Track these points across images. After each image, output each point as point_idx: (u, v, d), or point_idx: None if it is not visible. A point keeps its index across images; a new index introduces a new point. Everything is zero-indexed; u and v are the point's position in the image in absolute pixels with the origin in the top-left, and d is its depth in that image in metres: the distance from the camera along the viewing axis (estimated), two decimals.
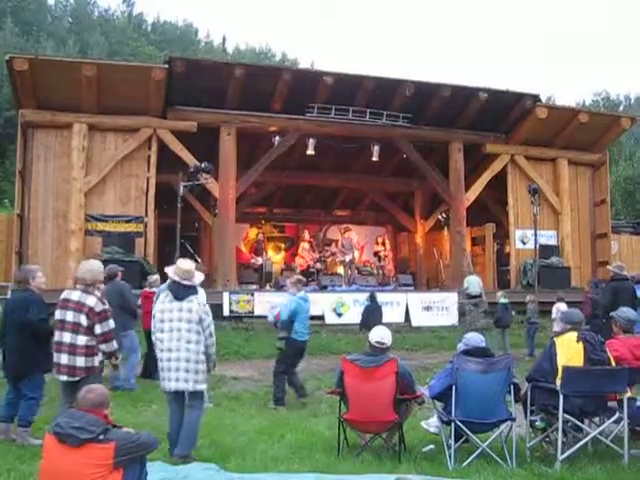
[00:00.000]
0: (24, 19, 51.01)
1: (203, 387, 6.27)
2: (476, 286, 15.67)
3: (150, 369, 11.17)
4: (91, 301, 6.36)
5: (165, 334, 6.14)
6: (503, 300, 15.17)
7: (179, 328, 6.11)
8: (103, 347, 6.38)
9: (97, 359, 6.38)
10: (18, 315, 6.89)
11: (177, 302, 6.19)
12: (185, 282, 6.24)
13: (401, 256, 25.80)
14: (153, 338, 6.36)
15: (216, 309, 13.79)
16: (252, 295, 16.88)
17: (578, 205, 21.30)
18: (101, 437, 4.14)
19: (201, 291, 8.66)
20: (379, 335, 6.49)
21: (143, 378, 10.88)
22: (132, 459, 4.24)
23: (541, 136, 20.15)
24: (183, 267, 6.32)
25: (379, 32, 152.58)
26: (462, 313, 14.78)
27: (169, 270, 6.40)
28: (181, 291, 6.22)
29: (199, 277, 6.47)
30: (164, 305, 6.25)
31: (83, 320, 6.31)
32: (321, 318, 17.01)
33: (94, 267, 6.65)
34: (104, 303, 6.50)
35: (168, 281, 6.53)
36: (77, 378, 6.25)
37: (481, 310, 14.70)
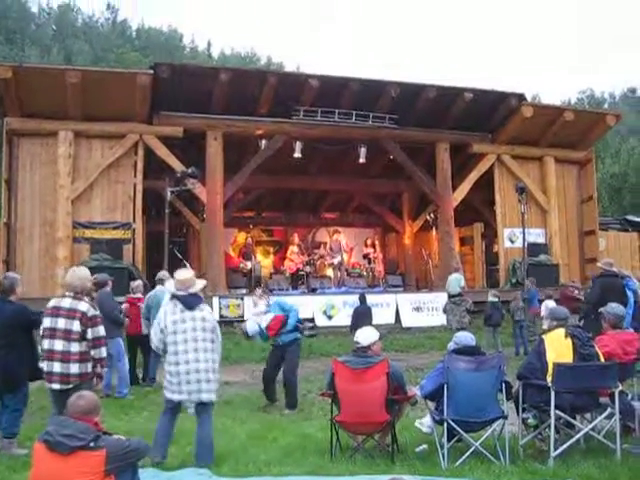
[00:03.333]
0: (7, 27, 50.81)
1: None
2: (455, 285, 15.86)
3: (137, 376, 11.15)
4: (83, 306, 6.35)
5: (180, 345, 6.01)
6: (492, 299, 15.21)
7: (195, 338, 6.02)
8: (93, 353, 6.34)
9: (90, 365, 6.35)
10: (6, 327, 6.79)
11: (189, 312, 6.12)
12: (180, 293, 6.19)
13: (390, 257, 25.83)
14: (154, 347, 6.24)
15: None
16: (242, 299, 16.88)
17: (565, 203, 21.42)
18: (92, 444, 4.10)
19: None
20: (356, 335, 6.57)
21: (130, 385, 10.84)
22: (124, 466, 4.20)
23: (527, 135, 20.25)
24: (178, 277, 6.29)
25: (365, 34, 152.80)
26: (444, 312, 14.96)
27: (170, 284, 6.42)
28: (190, 300, 6.17)
29: (199, 285, 6.40)
30: (176, 316, 6.12)
31: (76, 326, 6.27)
32: (311, 321, 17.02)
33: (83, 274, 6.61)
34: (95, 309, 6.50)
35: (169, 294, 6.44)
36: (70, 385, 6.20)
37: (462, 309, 14.81)
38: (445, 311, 14.98)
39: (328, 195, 25.29)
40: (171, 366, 6.07)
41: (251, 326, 9.68)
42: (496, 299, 15.24)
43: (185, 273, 6.36)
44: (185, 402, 6.08)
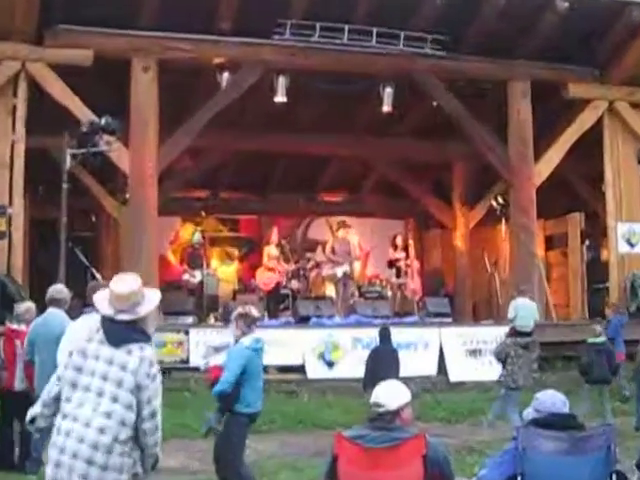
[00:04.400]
0: None
1: None
2: (528, 317, 15.79)
3: (9, 454, 11.14)
4: None
5: (78, 391, 5.83)
6: (596, 339, 15.23)
7: (100, 392, 5.86)
8: None
9: None
10: None
11: (109, 348, 6.02)
12: (121, 317, 6.08)
13: (431, 267, 25.86)
14: (49, 391, 6.16)
15: None
16: (186, 333, 16.85)
17: None
18: None
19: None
20: (375, 394, 6.46)
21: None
22: None
23: None
24: (118, 290, 6.15)
25: None
26: (500, 359, 14.82)
27: (99, 299, 6.24)
28: (118, 331, 5.97)
29: (149, 303, 6.27)
30: (90, 346, 6.04)
31: None
32: (300, 370, 16.99)
33: None
34: None
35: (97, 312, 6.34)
36: None
37: (534, 356, 14.76)
38: (502, 357, 14.82)
39: (330, 165, 25.33)
40: (58, 418, 5.96)
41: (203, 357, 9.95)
42: (602, 339, 15.24)
43: (128, 282, 6.13)
44: None
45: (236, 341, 9.67)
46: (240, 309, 10.26)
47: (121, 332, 5.92)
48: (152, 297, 6.18)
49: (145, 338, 6.02)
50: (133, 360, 5.82)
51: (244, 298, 20.48)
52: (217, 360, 9.66)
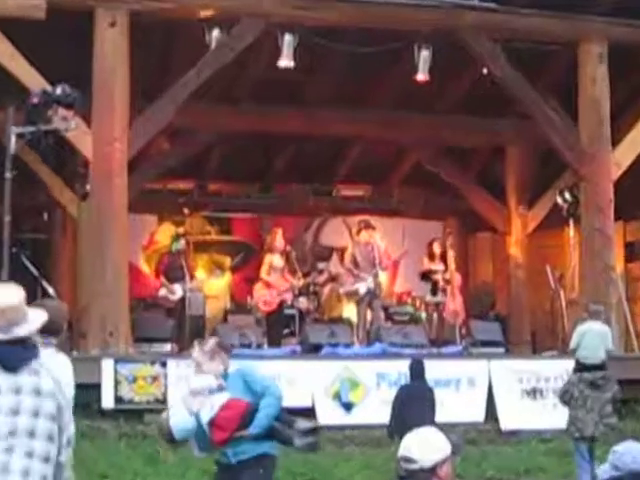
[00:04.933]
0: None
1: None
2: (596, 346, 15.69)
3: None
4: None
5: None
6: None
7: (13, 430, 5.86)
8: None
9: None
10: None
11: (8, 375, 5.99)
12: (4, 335, 6.03)
13: (478, 282, 25.89)
14: None
15: (89, 395, 13.68)
16: (163, 366, 16.86)
17: None
18: None
19: (61, 361, 8.45)
20: (404, 445, 6.38)
21: None
22: None
23: None
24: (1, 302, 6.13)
25: None
26: (564, 401, 14.76)
27: None
28: (11, 351, 6.02)
29: (31, 324, 6.23)
30: None
31: None
32: (309, 414, 16.96)
33: None
34: None
35: None
36: None
37: (608, 396, 14.67)
38: (566, 399, 14.79)
39: (350, 149, 25.36)
40: None
41: (179, 419, 9.57)
42: None
43: (5, 294, 6.15)
44: None
45: (225, 375, 9.55)
46: (215, 340, 10.13)
47: (15, 352, 5.81)
48: (35, 318, 6.02)
49: (38, 354, 5.92)
50: (45, 380, 5.76)
51: (237, 320, 20.45)
52: (212, 407, 9.32)
